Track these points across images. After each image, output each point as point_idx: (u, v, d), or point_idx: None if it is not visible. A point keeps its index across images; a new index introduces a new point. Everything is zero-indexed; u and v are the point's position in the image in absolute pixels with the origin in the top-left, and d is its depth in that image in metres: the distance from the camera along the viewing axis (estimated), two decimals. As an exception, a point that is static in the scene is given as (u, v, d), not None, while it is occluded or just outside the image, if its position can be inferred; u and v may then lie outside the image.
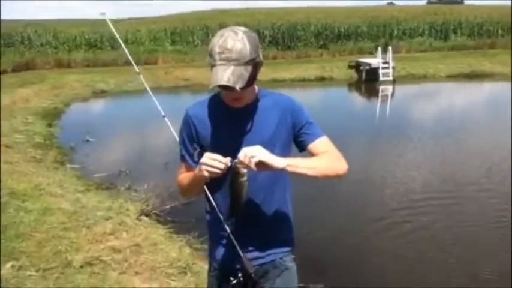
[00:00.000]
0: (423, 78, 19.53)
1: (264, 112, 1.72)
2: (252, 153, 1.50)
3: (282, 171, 1.60)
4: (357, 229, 5.53)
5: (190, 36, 26.85)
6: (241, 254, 1.74)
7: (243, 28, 1.59)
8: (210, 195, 1.79)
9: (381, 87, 17.85)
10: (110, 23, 2.39)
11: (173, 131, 1.91)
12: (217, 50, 1.51)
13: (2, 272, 3.59)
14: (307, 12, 41.45)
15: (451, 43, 26.57)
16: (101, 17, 2.50)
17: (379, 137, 10.34)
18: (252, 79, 1.59)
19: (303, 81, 19.14)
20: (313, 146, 1.74)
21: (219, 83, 1.49)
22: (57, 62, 21.94)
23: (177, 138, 1.85)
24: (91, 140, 9.77)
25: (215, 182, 1.70)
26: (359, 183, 6.86)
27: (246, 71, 1.53)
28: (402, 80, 18.80)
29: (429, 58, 22.49)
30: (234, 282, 1.79)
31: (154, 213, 5.54)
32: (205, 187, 1.77)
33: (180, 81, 18.16)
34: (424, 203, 6.26)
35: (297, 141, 1.77)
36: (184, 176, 1.79)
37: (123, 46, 2.55)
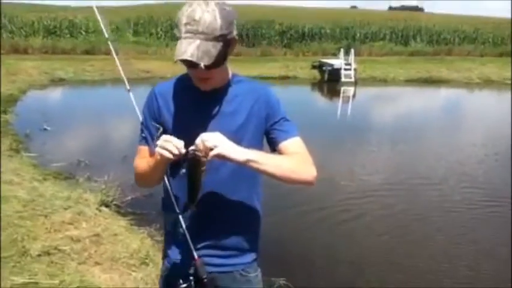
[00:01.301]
0: (383, 81, 20.05)
1: (235, 99, 1.57)
2: (210, 143, 1.37)
3: (244, 166, 1.44)
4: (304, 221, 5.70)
5: (154, 27, 26.45)
6: (195, 256, 1.60)
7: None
8: (168, 185, 1.64)
9: (342, 88, 18.19)
10: (96, 11, 2.18)
11: (136, 108, 1.73)
12: (183, 20, 1.37)
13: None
14: (271, 10, 41.66)
15: (410, 48, 27.37)
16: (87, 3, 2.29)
17: (338, 136, 10.55)
18: (221, 58, 1.42)
19: (267, 79, 19.20)
20: (284, 145, 1.58)
21: (181, 57, 1.35)
22: (13, 48, 21.17)
23: (140, 117, 1.67)
24: (48, 128, 9.47)
25: (174, 171, 1.59)
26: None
27: (213, 48, 1.37)
28: (363, 82, 19.25)
29: (390, 62, 23.10)
30: (183, 286, 1.62)
31: (115, 204, 5.43)
32: (164, 177, 1.63)
33: (141, 73, 17.84)
34: (366, 199, 6.49)
35: (268, 138, 1.62)
36: (142, 161, 1.62)
37: (104, 28, 2.30)
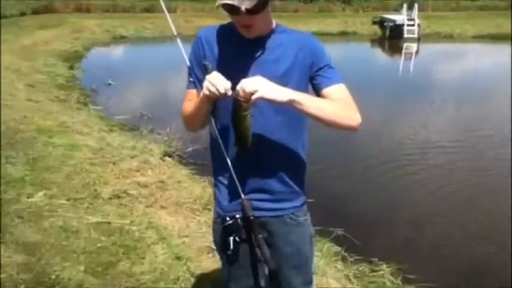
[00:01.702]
0: (449, 37, 19.04)
1: (279, 47, 1.56)
2: (251, 89, 1.36)
3: (287, 106, 1.43)
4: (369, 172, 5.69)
5: (210, -16, 26.32)
6: (242, 196, 1.61)
7: None
8: (215, 129, 1.65)
9: (405, 45, 17.49)
10: None
11: (183, 53, 1.72)
12: None
13: (35, 199, 3.73)
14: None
15: (479, 3, 25.67)
16: None
17: (400, 94, 10.23)
18: (262, 4, 1.42)
19: (325, 36, 18.77)
20: (327, 91, 1.56)
21: (223, 1, 1.37)
22: (77, 7, 21.84)
23: (187, 62, 1.68)
24: (112, 83, 9.82)
25: (220, 114, 1.60)
26: (373, 134, 6.91)
27: None
28: (427, 39, 18.39)
29: (456, 17, 21.83)
30: (229, 222, 1.65)
31: (177, 155, 5.64)
32: (212, 121, 1.64)
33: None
34: (428, 155, 6.34)
35: (312, 84, 1.60)
36: (189, 103, 1.64)
37: (163, 7, 2.30)
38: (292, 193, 1.69)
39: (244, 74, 1.49)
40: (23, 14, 19.21)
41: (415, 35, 18.07)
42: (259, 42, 1.56)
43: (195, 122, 1.67)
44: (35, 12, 19.85)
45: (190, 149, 5.79)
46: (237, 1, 1.36)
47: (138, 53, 15.76)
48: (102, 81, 9.78)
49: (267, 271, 1.69)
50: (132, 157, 4.99)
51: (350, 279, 3.29)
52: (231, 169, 1.61)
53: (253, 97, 1.36)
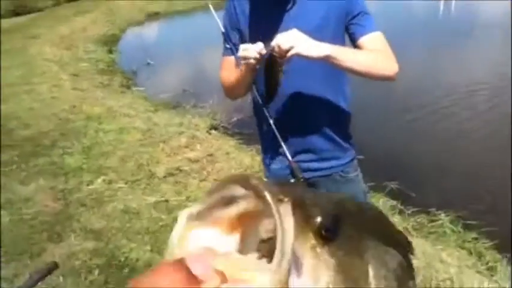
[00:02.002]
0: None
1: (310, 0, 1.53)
2: (287, 45, 1.33)
3: (323, 61, 1.41)
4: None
5: None
6: (289, 158, 1.61)
7: None
8: (256, 92, 1.65)
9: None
10: None
11: (217, 19, 1.71)
12: None
13: (95, 186, 3.91)
14: None
15: None
16: None
17: (440, 38, 9.73)
18: None
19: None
20: (363, 40, 1.53)
21: None
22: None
23: (222, 28, 1.67)
24: (152, 62, 9.95)
25: (260, 79, 1.56)
26: (417, 82, 6.68)
27: None
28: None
29: None
30: None
31: (222, 127, 5.71)
32: (253, 86, 1.63)
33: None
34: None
35: (348, 33, 1.57)
36: (229, 73, 1.63)
37: None
38: (340, 150, 1.68)
39: (278, 28, 1.48)
40: (57, 3, 19.60)
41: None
42: None
43: (238, 90, 1.67)
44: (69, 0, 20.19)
45: (234, 119, 5.84)
46: None
47: (172, 28, 15.78)
48: (141, 62, 9.92)
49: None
50: (179, 134, 5.10)
51: (409, 232, 3.28)
52: (276, 132, 1.61)
53: (289, 54, 1.34)
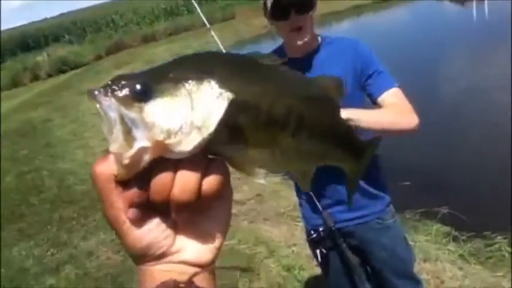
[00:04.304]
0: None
1: (328, 60, 1.61)
2: None
3: None
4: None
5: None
6: (319, 207, 1.65)
7: None
8: None
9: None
10: None
11: (219, 44, 1.85)
12: None
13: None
14: None
15: None
16: None
17: (479, 41, 9.57)
18: (310, 4, 1.52)
19: (387, 2, 18.06)
20: (381, 99, 1.58)
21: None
22: (143, 37, 22.96)
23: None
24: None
25: None
26: (462, 94, 6.57)
27: None
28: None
29: None
30: (314, 236, 1.69)
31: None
32: None
33: (260, 30, 18.05)
34: None
35: (366, 93, 1.64)
36: None
37: (194, 2, 2.47)
38: (373, 197, 1.72)
39: None
40: (98, 57, 20.63)
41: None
42: (310, 59, 1.63)
43: None
44: (108, 52, 21.20)
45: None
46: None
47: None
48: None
49: (364, 277, 1.76)
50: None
51: (466, 259, 3.22)
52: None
53: None
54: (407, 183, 4.26)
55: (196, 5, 2.49)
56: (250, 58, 0.56)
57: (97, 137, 7.96)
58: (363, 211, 1.71)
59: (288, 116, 0.53)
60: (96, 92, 0.48)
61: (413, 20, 14.63)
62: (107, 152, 0.48)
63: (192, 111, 0.48)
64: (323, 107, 0.63)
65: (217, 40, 2.16)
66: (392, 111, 1.56)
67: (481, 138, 5.40)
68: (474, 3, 15.24)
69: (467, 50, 9.16)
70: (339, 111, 0.67)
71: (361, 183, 1.67)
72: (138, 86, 0.48)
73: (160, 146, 0.47)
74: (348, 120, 1.43)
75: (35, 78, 18.70)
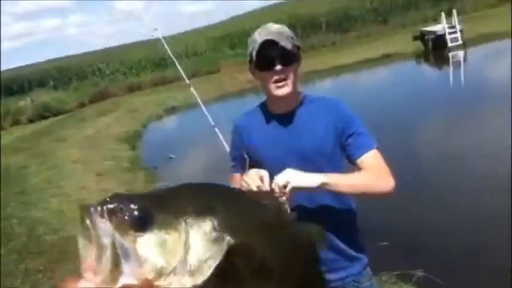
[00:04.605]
0: (496, 36, 18.34)
1: (309, 118, 1.64)
2: (283, 182, 1.42)
3: (319, 190, 1.50)
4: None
5: (247, 37, 27.08)
6: None
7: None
8: None
9: (450, 54, 17.02)
10: (162, 39, 2.43)
11: (224, 142, 1.91)
12: (257, 35, 1.58)
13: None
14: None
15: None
16: (154, 36, 2.50)
17: (455, 107, 9.87)
18: (294, 57, 1.59)
19: (368, 62, 18.72)
20: (359, 161, 1.59)
21: (264, 38, 1.53)
22: (129, 87, 23.18)
23: (228, 149, 1.82)
24: (173, 156, 10.22)
25: None
26: (441, 156, 6.67)
27: (286, 44, 1.54)
28: (474, 42, 17.79)
29: (499, 13, 21.09)
30: None
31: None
32: None
33: (245, 85, 18.38)
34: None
35: (345, 153, 1.64)
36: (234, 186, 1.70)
37: (173, 58, 2.56)
38: (350, 259, 1.69)
39: (282, 150, 1.61)
40: (82, 105, 20.66)
41: (460, 42, 17.56)
42: (291, 116, 1.65)
43: None
44: (92, 100, 21.27)
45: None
46: (276, 37, 1.53)
47: (190, 121, 16.36)
48: (163, 156, 10.21)
49: None
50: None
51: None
52: None
53: (287, 189, 1.42)
54: (385, 243, 4.23)
55: (175, 60, 2.52)
56: (248, 197, 0.57)
57: (73, 185, 7.83)
58: (341, 273, 1.67)
59: (277, 266, 0.53)
60: (92, 210, 0.45)
61: (392, 82, 15.10)
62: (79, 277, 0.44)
63: (189, 252, 0.45)
64: (306, 259, 0.64)
65: (196, 96, 2.19)
66: (369, 174, 1.57)
67: (454, 203, 5.40)
68: (451, 69, 15.92)
69: (443, 115, 9.41)
70: (319, 260, 0.67)
71: (339, 244, 1.66)
72: (137, 213, 0.46)
73: (147, 285, 0.44)
74: (323, 184, 1.47)
75: (16, 122, 18.55)
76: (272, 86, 1.60)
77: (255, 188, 1.46)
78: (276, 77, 1.57)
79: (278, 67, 1.54)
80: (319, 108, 1.66)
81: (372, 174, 1.57)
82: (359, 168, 1.59)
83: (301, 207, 1.59)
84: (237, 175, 1.75)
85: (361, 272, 1.71)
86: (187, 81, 2.23)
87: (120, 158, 10.55)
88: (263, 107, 1.72)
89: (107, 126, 14.47)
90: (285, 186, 1.43)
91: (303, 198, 1.59)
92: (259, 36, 1.56)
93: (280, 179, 1.44)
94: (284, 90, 1.59)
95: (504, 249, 4.17)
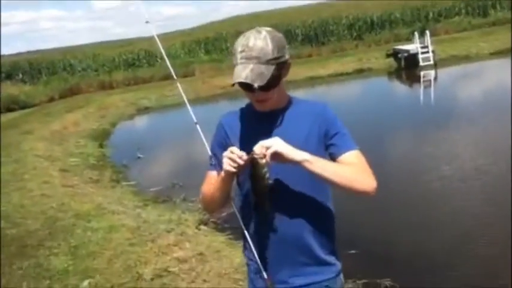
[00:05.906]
0: (466, 58, 18.94)
1: (294, 119, 1.63)
2: (267, 144, 1.44)
3: (300, 166, 1.48)
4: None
5: (223, 43, 27.17)
6: (264, 274, 1.62)
7: (268, 28, 1.56)
8: (234, 206, 1.76)
9: (422, 73, 17.45)
10: (155, 34, 2.36)
11: (204, 139, 1.85)
12: (239, 49, 1.51)
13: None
14: (337, 6, 41.10)
15: (491, 18, 25.65)
16: (148, 35, 2.44)
17: (425, 125, 10.09)
18: (275, 79, 1.53)
19: (341, 76, 18.99)
20: (341, 159, 1.58)
21: (237, 80, 1.48)
22: (100, 84, 22.71)
23: (208, 147, 1.78)
24: (141, 156, 10.07)
25: (241, 186, 1.69)
26: (410, 172, 6.78)
27: (266, 70, 1.48)
28: (444, 63, 18.32)
29: (470, 37, 21.81)
30: None
31: (212, 222, 5.65)
32: (232, 203, 1.74)
33: (218, 90, 18.30)
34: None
35: (328, 153, 1.63)
36: (209, 185, 1.71)
37: (163, 53, 2.48)
38: (323, 264, 1.66)
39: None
40: (51, 99, 20.12)
41: (431, 62, 18.03)
42: (276, 115, 1.63)
43: (214, 202, 1.73)
44: (62, 96, 20.76)
45: (224, 213, 5.78)
46: (250, 79, 1.47)
47: (162, 122, 16.19)
48: (131, 155, 10.04)
49: None
50: (168, 231, 5.05)
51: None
52: (253, 249, 1.64)
53: (269, 151, 1.43)
54: (352, 251, 4.25)
55: (165, 56, 2.46)
56: None
57: (36, 179, 7.58)
58: (313, 277, 1.64)
59: None
60: None
61: (364, 96, 15.36)
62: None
63: None
64: None
65: (182, 93, 2.14)
66: (355, 170, 1.56)
67: (423, 214, 5.49)
68: (421, 87, 16.32)
69: (412, 131, 9.60)
70: None
71: (311, 247, 1.63)
72: None
73: None
74: (305, 160, 1.46)
75: (-20, 114, 17.89)
76: (254, 103, 1.62)
77: (239, 161, 1.46)
78: (257, 97, 1.58)
79: (258, 92, 1.53)
80: (305, 109, 1.66)
81: (356, 170, 1.56)
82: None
83: (283, 202, 1.57)
84: (214, 173, 1.71)
85: (334, 279, 1.68)
86: (175, 77, 2.17)
87: (86, 154, 10.32)
88: (249, 106, 1.70)
89: (75, 123, 14.13)
90: (267, 148, 1.44)
91: (285, 193, 1.58)
92: (239, 55, 1.51)
93: (265, 141, 1.46)
94: (266, 106, 1.61)
95: (474, 261, 4.26)
